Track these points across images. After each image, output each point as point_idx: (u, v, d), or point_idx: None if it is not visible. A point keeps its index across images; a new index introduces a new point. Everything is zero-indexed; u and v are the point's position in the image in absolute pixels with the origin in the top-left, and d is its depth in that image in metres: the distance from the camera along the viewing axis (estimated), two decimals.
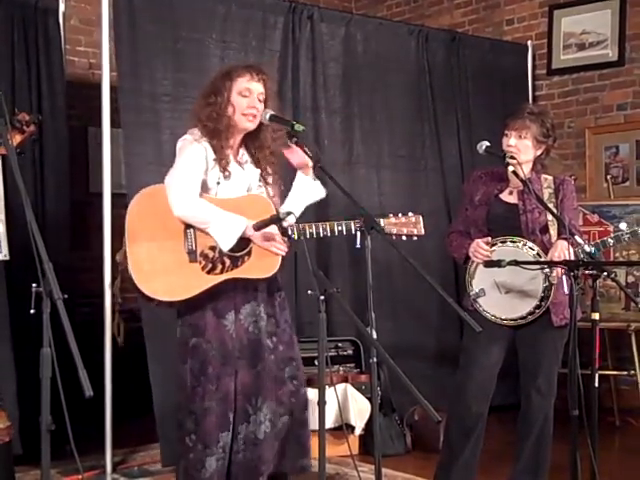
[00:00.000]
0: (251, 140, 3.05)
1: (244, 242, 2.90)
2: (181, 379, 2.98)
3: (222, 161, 2.94)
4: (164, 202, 2.88)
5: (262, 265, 2.92)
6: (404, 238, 3.03)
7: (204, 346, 2.92)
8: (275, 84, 3.25)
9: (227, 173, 2.95)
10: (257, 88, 2.96)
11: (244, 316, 2.98)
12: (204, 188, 2.95)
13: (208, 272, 2.89)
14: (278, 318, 3.06)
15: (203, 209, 2.88)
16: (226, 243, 2.86)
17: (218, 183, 2.95)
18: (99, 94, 3.87)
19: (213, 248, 2.90)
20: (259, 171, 3.06)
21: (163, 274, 2.88)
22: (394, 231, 3.01)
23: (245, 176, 3.02)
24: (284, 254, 2.93)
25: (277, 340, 3.04)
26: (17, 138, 2.62)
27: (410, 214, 3.05)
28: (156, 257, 2.89)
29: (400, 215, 3.04)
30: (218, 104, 2.93)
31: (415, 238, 3.06)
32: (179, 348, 3.01)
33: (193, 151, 2.93)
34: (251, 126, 2.98)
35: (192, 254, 2.90)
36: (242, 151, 3.06)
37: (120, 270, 2.97)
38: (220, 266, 2.90)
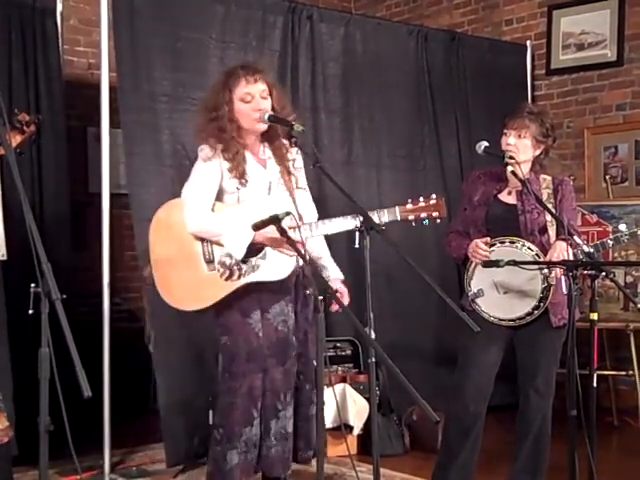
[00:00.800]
0: (268, 133, 3.09)
1: (258, 247, 2.96)
2: (215, 377, 3.13)
3: (238, 169, 2.99)
4: (181, 216, 3.00)
5: (277, 267, 3.00)
6: (425, 222, 2.99)
7: (230, 344, 3.03)
8: (273, 74, 3.26)
9: (244, 181, 3.00)
10: (257, 88, 3.00)
11: (273, 315, 3.06)
12: (224, 194, 3.02)
13: (226, 279, 2.99)
14: (299, 316, 3.14)
15: (213, 223, 2.97)
16: (238, 252, 2.93)
17: (238, 188, 3.01)
18: (98, 94, 3.86)
19: (230, 255, 2.98)
20: (279, 168, 3.10)
21: (186, 286, 3.01)
22: (411, 217, 2.97)
23: (265, 175, 3.07)
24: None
25: (294, 337, 3.11)
26: (17, 138, 2.62)
27: (433, 196, 2.99)
28: (178, 270, 3.02)
29: (421, 199, 2.98)
30: (220, 118, 2.98)
31: (438, 221, 3.00)
32: (216, 346, 3.14)
33: (206, 165, 3.00)
34: (263, 127, 3.02)
35: (210, 263, 3.01)
36: (263, 147, 3.10)
37: (148, 284, 3.12)
38: (237, 272, 2.99)
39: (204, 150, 3.01)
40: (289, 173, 3.10)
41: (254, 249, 2.95)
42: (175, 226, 3.03)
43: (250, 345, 3.01)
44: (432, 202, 2.98)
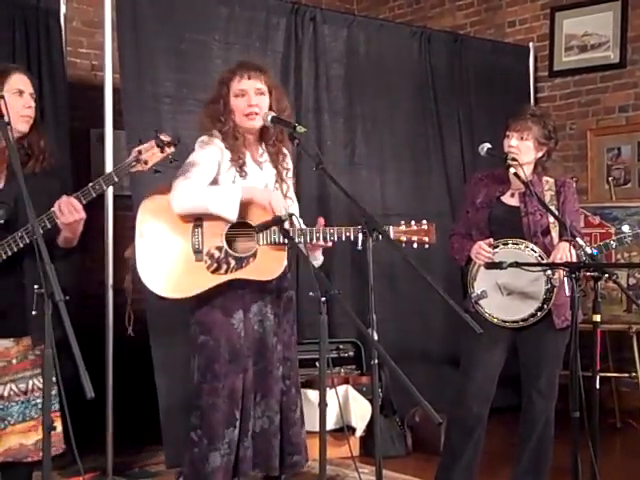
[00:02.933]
0: (266, 135, 3.08)
1: (250, 245, 2.93)
2: (190, 375, 3.03)
3: (239, 161, 2.99)
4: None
5: (266, 267, 2.96)
6: (415, 246, 3.00)
7: (211, 344, 2.97)
8: (275, 75, 3.27)
9: (243, 173, 2.99)
10: (251, 85, 3.00)
11: (252, 315, 3.02)
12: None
13: (213, 272, 2.94)
14: (281, 318, 3.09)
15: (196, 197, 2.91)
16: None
17: (234, 182, 2.98)
18: (102, 95, 3.87)
19: (219, 248, 2.94)
20: (275, 171, 3.09)
21: (169, 272, 2.95)
22: (403, 239, 2.98)
23: (262, 176, 3.06)
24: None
25: (277, 340, 3.08)
26: (158, 156, 2.68)
27: (424, 222, 3.00)
28: (163, 255, 2.95)
29: (413, 223, 2.99)
30: (220, 112, 3.00)
31: (427, 246, 3.01)
32: (191, 344, 3.06)
33: (204, 154, 2.98)
34: (255, 124, 3.01)
35: (198, 253, 2.95)
36: (261, 150, 3.11)
37: (130, 265, 3.03)
38: (225, 266, 2.94)
39: (207, 136, 2.99)
40: (282, 179, 3.11)
41: (248, 245, 2.92)
42: (166, 211, 2.96)
43: (233, 345, 2.96)
44: (423, 227, 3.00)
